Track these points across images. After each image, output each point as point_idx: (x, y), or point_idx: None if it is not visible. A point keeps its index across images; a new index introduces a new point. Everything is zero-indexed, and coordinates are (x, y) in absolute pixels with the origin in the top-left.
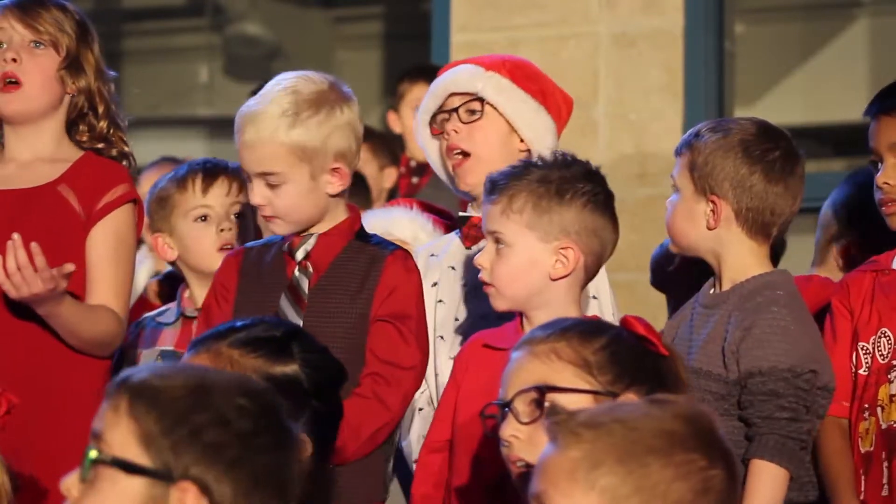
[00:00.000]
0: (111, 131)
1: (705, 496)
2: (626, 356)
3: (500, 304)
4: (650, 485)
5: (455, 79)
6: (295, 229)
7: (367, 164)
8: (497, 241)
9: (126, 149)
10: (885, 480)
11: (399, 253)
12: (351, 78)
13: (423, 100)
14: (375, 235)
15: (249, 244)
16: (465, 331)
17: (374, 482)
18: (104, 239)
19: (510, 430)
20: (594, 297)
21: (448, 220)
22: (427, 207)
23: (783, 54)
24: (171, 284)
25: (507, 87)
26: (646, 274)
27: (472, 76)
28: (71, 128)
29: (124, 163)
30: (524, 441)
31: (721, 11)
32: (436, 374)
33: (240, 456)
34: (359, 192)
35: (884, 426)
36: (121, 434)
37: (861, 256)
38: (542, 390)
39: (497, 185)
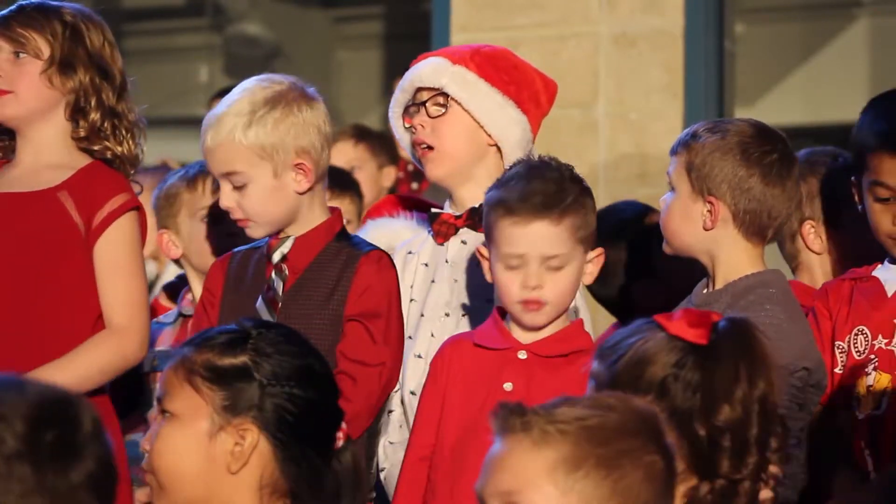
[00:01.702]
0: (104, 123)
1: (665, 495)
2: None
3: (545, 320)
4: (624, 487)
5: (420, 74)
6: (269, 231)
7: (367, 164)
8: (555, 267)
9: (120, 149)
10: (870, 468)
11: (374, 254)
12: (351, 78)
13: (395, 93)
14: (356, 237)
15: (237, 248)
16: (452, 330)
17: None
18: (109, 251)
19: None
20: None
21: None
22: (425, 205)
23: (783, 54)
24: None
25: (471, 81)
26: None
27: (436, 70)
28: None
29: (126, 164)
30: None
31: (721, 11)
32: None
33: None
34: (352, 196)
35: (860, 417)
36: None
37: (837, 233)
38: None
39: (542, 207)
